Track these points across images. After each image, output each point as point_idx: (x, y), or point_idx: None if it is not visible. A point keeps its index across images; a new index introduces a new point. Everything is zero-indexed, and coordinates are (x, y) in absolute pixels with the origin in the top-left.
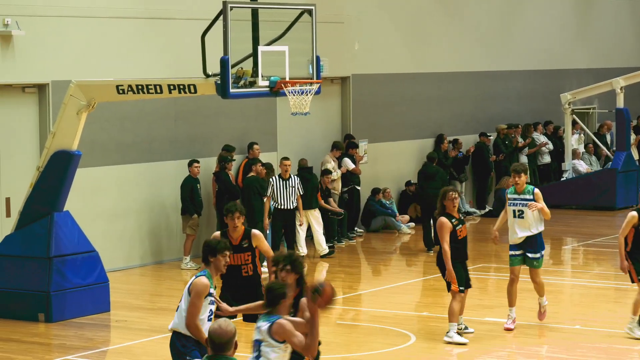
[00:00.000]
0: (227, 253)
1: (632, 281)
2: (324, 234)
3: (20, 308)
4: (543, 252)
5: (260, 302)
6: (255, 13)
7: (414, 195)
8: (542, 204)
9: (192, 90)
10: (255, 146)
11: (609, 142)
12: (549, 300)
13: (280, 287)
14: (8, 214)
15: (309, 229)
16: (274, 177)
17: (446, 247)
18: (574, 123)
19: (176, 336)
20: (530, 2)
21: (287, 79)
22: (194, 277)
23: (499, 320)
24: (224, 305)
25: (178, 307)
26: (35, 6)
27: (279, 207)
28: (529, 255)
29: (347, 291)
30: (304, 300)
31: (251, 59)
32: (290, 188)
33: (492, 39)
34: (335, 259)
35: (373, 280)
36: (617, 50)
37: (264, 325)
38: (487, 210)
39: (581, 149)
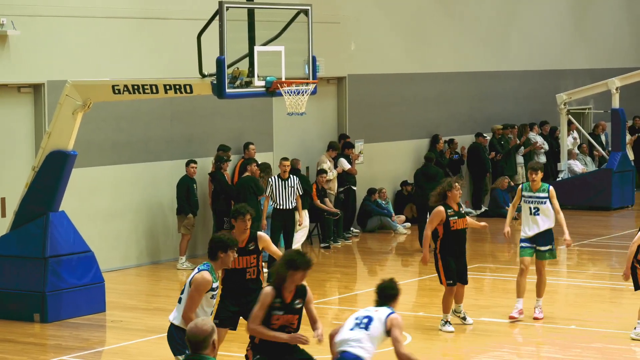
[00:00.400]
0: (236, 250)
1: (636, 288)
2: (320, 234)
3: (15, 308)
4: (553, 244)
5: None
6: (251, 13)
7: (410, 196)
8: (555, 202)
9: (188, 91)
10: (251, 146)
11: (604, 143)
12: (545, 300)
13: (392, 287)
14: (3, 214)
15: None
16: (273, 177)
17: (428, 232)
18: (570, 123)
19: (174, 328)
20: (527, 3)
21: (283, 79)
22: (196, 269)
23: (494, 320)
24: (299, 337)
25: (180, 298)
26: (31, 6)
27: (278, 207)
28: (540, 248)
29: (343, 291)
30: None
31: (247, 59)
32: (290, 188)
33: (489, 39)
34: (331, 259)
35: (369, 281)
36: (614, 51)
37: (382, 311)
38: (483, 210)
39: (576, 150)
